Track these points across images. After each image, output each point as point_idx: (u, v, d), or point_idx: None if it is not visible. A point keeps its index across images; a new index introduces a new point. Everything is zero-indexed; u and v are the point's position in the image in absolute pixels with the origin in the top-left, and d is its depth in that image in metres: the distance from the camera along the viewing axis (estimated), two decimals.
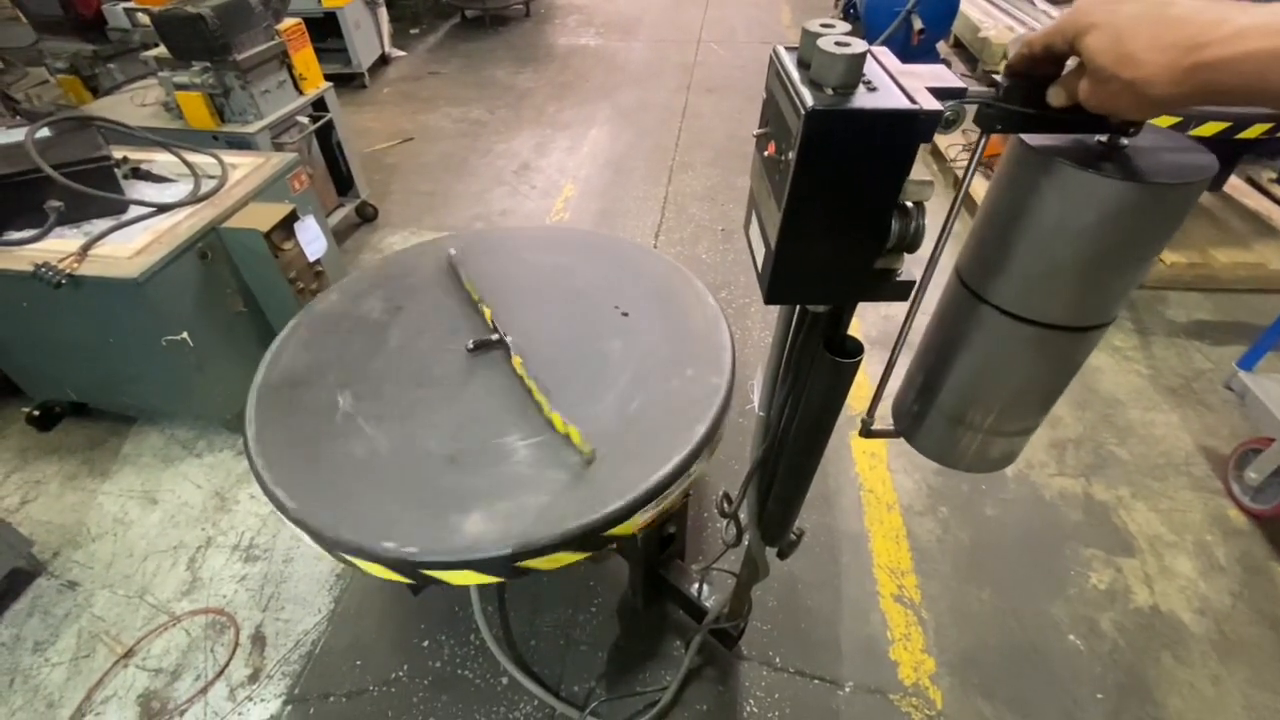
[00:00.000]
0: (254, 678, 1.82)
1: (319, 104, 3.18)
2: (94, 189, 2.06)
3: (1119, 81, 0.54)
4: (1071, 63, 0.62)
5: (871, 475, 2.33)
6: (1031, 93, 0.64)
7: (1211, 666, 1.81)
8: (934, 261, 0.78)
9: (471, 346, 1.50)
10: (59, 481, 2.36)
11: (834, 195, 0.64)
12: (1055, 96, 0.62)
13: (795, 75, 0.63)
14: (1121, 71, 0.53)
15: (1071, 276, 0.71)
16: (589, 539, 1.16)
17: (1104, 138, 0.66)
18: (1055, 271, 0.71)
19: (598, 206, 3.90)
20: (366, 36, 5.42)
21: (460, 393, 1.42)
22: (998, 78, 0.66)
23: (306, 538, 1.19)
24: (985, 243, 0.78)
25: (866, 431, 1.00)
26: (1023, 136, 0.69)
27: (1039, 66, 0.63)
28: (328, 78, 3.25)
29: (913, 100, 0.59)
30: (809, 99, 0.59)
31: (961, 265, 0.82)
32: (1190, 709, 1.73)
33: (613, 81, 5.52)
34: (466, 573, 1.15)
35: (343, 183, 3.56)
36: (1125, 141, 0.66)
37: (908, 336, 0.88)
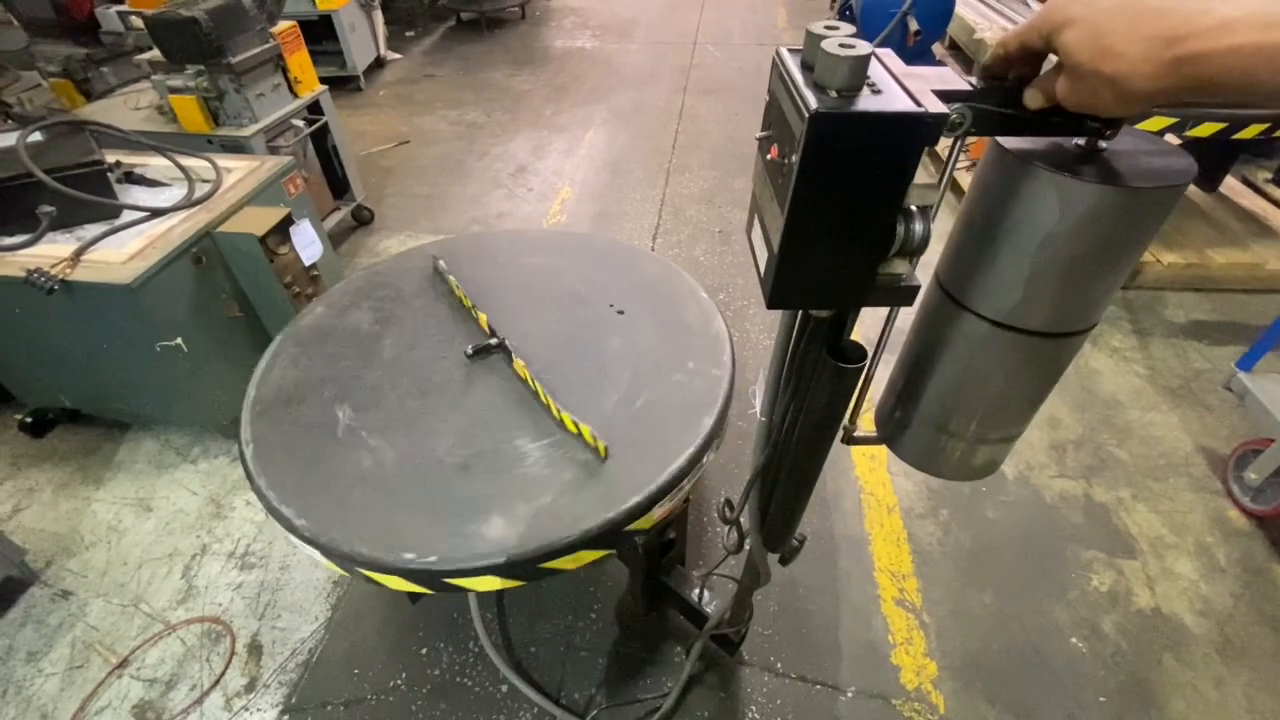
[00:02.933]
0: (250, 687, 1.80)
1: (314, 107, 3.16)
2: (87, 194, 2.04)
3: (1098, 77, 0.52)
4: (1048, 63, 0.60)
5: (872, 478, 2.32)
6: (1008, 95, 0.63)
7: (1214, 668, 1.81)
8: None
9: (470, 352, 1.48)
10: (52, 489, 2.34)
11: (837, 199, 0.63)
12: (1032, 99, 0.60)
13: (799, 77, 0.62)
14: (1101, 66, 0.51)
15: (1050, 282, 0.69)
16: (609, 535, 1.16)
17: (1082, 141, 0.65)
18: (1034, 277, 0.70)
19: (595, 209, 3.89)
20: (362, 39, 5.41)
21: (463, 399, 1.40)
22: (971, 80, 0.64)
23: (319, 555, 1.17)
24: (964, 248, 0.76)
25: (848, 438, 0.99)
26: (999, 140, 0.68)
27: (1015, 67, 0.61)
28: (323, 80, 3.24)
29: (918, 103, 0.58)
30: (813, 101, 0.58)
31: (941, 271, 0.81)
32: (1193, 712, 1.73)
33: (609, 84, 5.51)
34: (489, 578, 1.14)
35: (338, 186, 3.55)
36: (1104, 144, 0.64)
37: (887, 342, 0.87)
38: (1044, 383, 0.83)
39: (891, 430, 0.97)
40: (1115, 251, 0.67)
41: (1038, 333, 0.73)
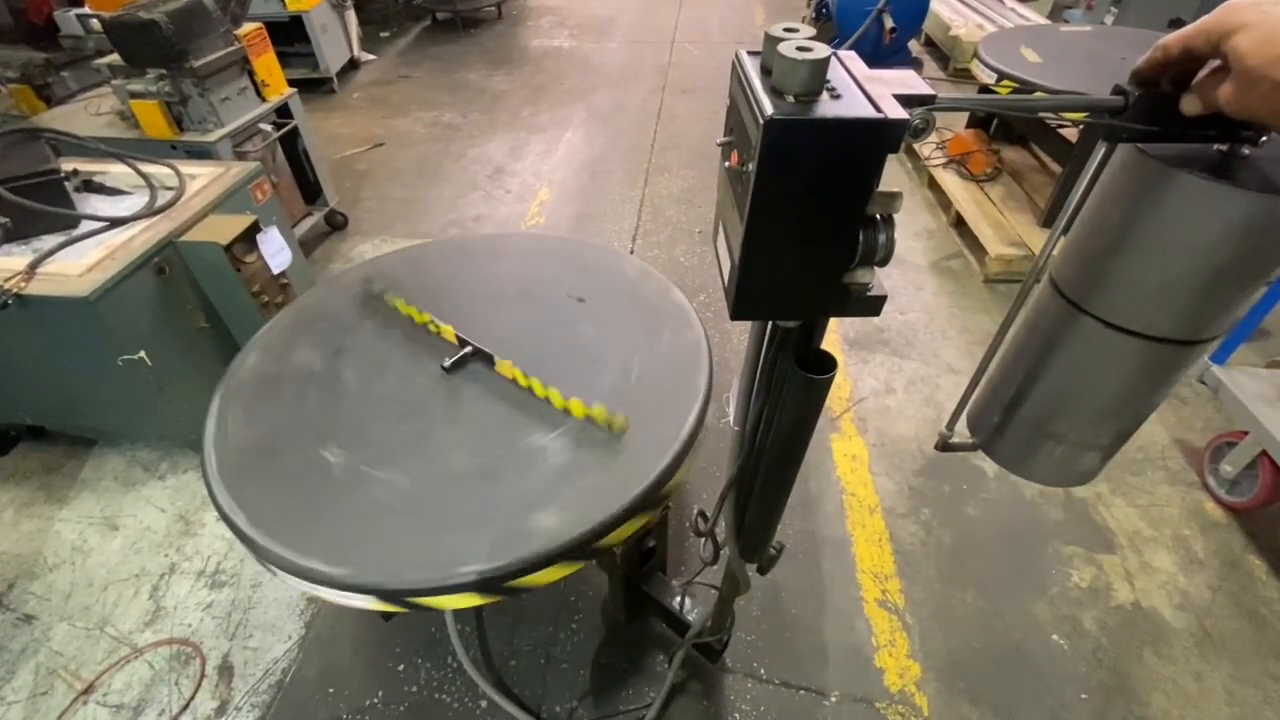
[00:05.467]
0: (221, 710, 1.75)
1: (283, 110, 3.09)
2: (42, 204, 1.97)
3: (1270, 82, 0.52)
4: (1205, 70, 0.59)
5: (853, 478, 2.31)
6: (1158, 101, 0.61)
7: (1193, 662, 1.82)
8: (1039, 270, 0.76)
9: (447, 366, 1.43)
10: (14, 509, 2.26)
11: (797, 208, 0.60)
12: (1190, 104, 0.59)
13: (756, 82, 0.60)
14: (1273, 71, 0.51)
15: (1188, 289, 0.68)
16: (650, 499, 1.17)
17: (1223, 147, 0.63)
18: (1171, 284, 0.68)
19: (574, 210, 3.85)
20: (334, 40, 5.32)
21: (456, 413, 1.36)
22: (1125, 86, 0.63)
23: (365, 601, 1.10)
24: (1088, 253, 0.75)
25: (943, 445, 0.98)
26: (1139, 145, 0.66)
27: (1171, 71, 0.60)
28: (295, 83, 3.17)
29: (878, 108, 0.56)
30: (768, 107, 0.55)
31: (1059, 275, 0.79)
32: (1174, 706, 1.73)
33: (587, 83, 5.47)
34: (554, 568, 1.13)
35: (310, 191, 3.48)
36: (1247, 151, 0.63)
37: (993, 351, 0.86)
38: (1162, 389, 0.81)
39: (988, 435, 0.96)
40: (1264, 259, 0.66)
41: (1166, 340, 0.72)
